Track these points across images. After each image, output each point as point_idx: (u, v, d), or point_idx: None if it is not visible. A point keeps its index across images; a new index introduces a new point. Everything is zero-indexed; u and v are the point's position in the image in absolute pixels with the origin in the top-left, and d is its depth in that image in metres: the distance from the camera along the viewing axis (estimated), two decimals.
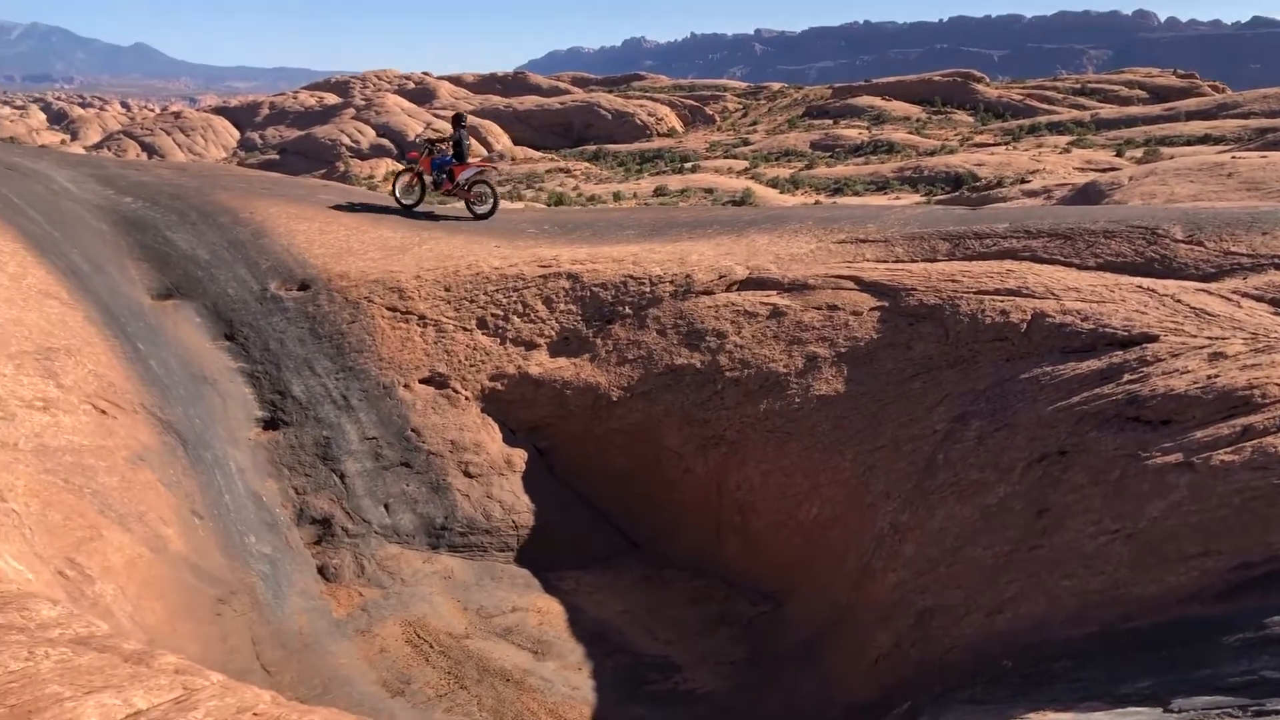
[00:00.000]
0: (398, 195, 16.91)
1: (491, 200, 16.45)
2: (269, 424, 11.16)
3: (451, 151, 16.54)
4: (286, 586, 9.51)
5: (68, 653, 3.46)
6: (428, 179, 16.67)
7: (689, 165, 74.05)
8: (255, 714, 3.13)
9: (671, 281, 11.78)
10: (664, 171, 72.84)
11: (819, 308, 10.81)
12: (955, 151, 68.27)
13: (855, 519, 9.08)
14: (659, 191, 61.63)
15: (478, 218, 16.29)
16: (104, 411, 9.30)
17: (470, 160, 16.61)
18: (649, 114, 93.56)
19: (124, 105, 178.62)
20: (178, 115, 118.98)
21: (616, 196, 61.73)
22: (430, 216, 16.53)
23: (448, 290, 12.33)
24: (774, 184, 62.32)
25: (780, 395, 10.32)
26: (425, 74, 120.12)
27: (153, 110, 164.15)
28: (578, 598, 10.13)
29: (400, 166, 23.93)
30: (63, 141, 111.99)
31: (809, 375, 10.29)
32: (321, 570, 10.11)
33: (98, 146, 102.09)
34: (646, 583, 10.33)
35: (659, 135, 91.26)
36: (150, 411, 9.92)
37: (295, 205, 15.47)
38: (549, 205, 55.97)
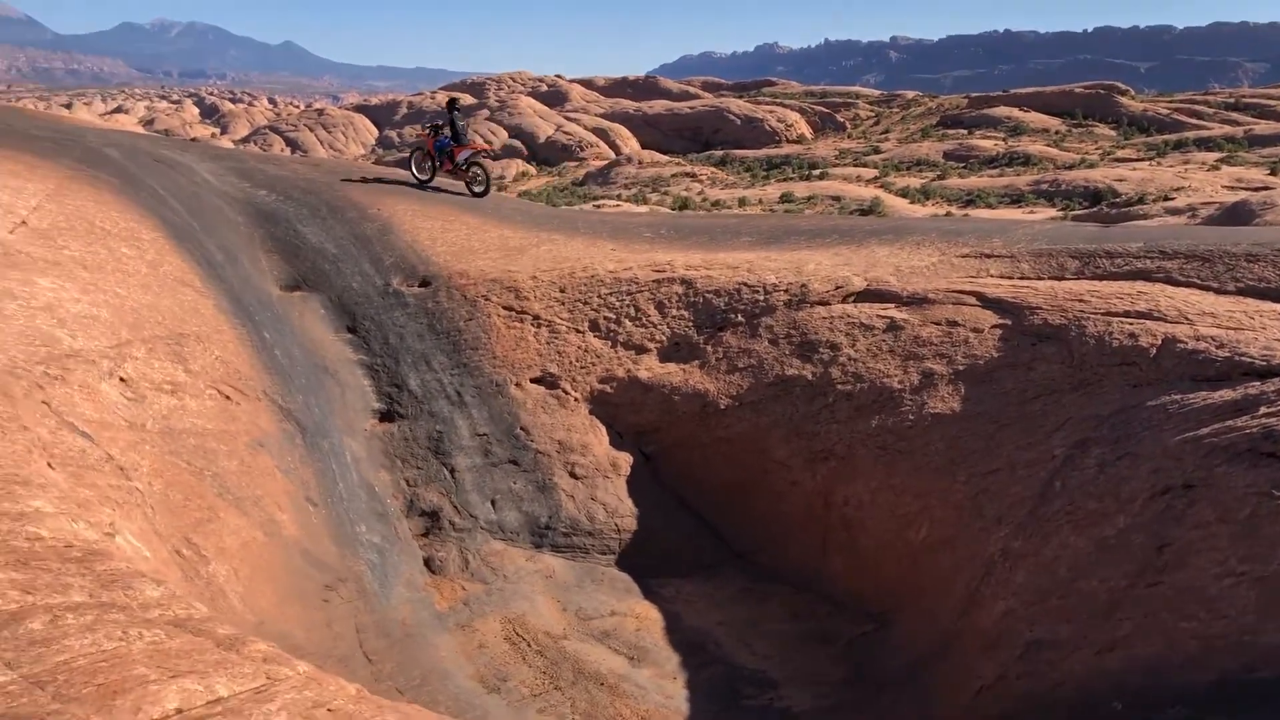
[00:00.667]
0: (414, 172, 18.67)
1: (485, 182, 18.08)
2: (385, 416, 11.42)
3: (449, 134, 18.05)
4: (393, 576, 9.68)
5: (161, 635, 3.54)
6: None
7: (817, 172, 73.16)
8: (330, 709, 3.15)
9: (786, 290, 11.63)
10: (791, 178, 72.11)
11: (938, 323, 10.50)
12: (1095, 166, 65.74)
13: (965, 543, 8.78)
14: (785, 198, 61.06)
15: (475, 195, 17.73)
16: (228, 397, 9.63)
17: (469, 144, 18.18)
18: (778, 120, 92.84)
19: (271, 101, 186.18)
20: (320, 112, 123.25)
21: (742, 202, 61.42)
22: (440, 190, 18.32)
23: (562, 291, 12.42)
24: (904, 194, 61.05)
25: (893, 411, 10.06)
26: (558, 76, 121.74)
27: (297, 107, 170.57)
28: (677, 606, 10.07)
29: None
30: (213, 135, 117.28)
31: (924, 392, 10.01)
32: (427, 562, 10.27)
33: (245, 140, 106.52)
34: (747, 595, 10.20)
35: (788, 141, 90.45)
36: (272, 399, 10.23)
37: (420, 203, 15.82)
38: (673, 210, 56.06)
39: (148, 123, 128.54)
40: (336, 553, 9.33)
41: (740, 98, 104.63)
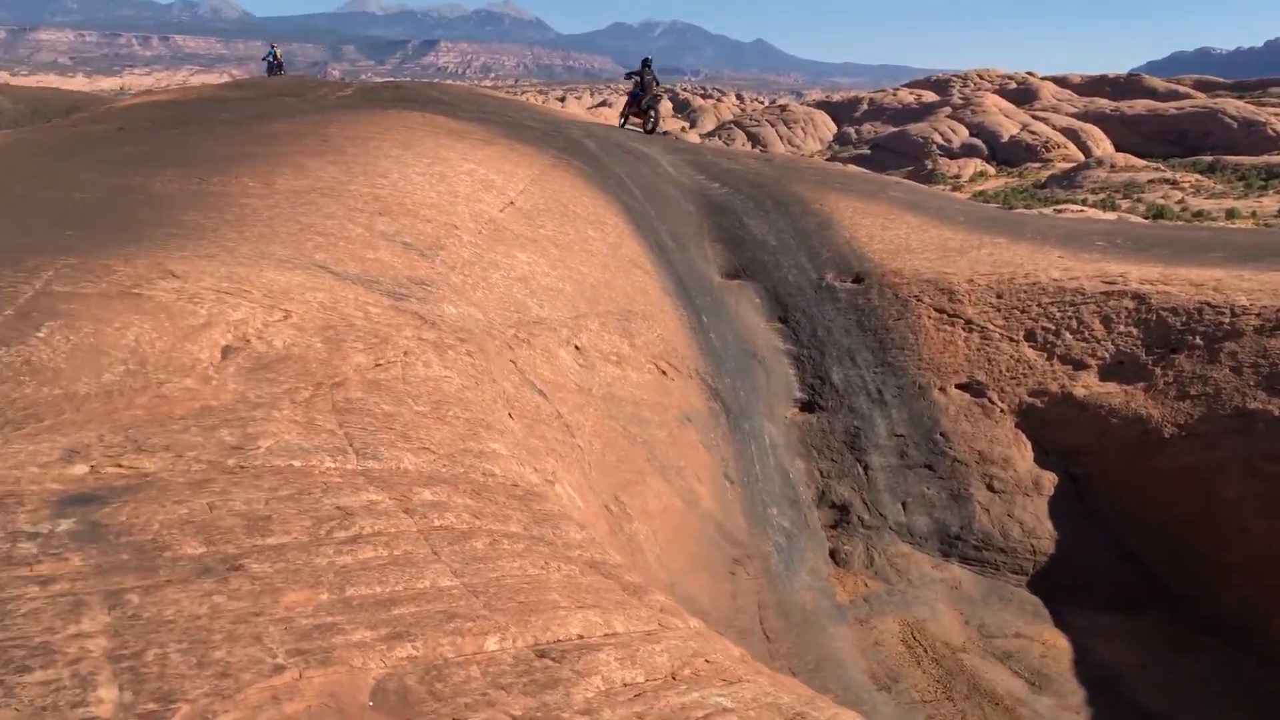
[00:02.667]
0: (621, 121, 24.00)
1: (655, 120, 22.95)
2: (805, 406, 11.74)
3: (640, 88, 23.11)
4: (798, 562, 9.98)
5: (576, 571, 4.03)
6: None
7: None
8: (709, 660, 3.43)
9: (1259, 315, 10.40)
10: None
11: None
12: None
13: None
14: None
15: (647, 131, 22.41)
16: (664, 372, 10.42)
17: (652, 92, 23.04)
18: None
19: (738, 97, 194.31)
20: (783, 108, 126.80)
21: (1231, 214, 55.13)
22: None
23: (999, 297, 12.01)
24: None
25: None
26: (1029, 74, 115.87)
27: (762, 102, 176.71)
28: (1090, 638, 9.45)
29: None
30: (682, 129, 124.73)
31: None
32: (833, 554, 10.47)
33: (711, 135, 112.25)
34: (1173, 642, 9.33)
35: None
36: (703, 378, 10.92)
37: (862, 200, 15.96)
38: (1147, 218, 51.53)
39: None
40: (747, 530, 9.78)
41: (1240, 98, 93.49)
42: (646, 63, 23.71)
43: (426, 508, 4.04)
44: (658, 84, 23.31)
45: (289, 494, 3.78)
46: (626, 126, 23.49)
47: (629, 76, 24.33)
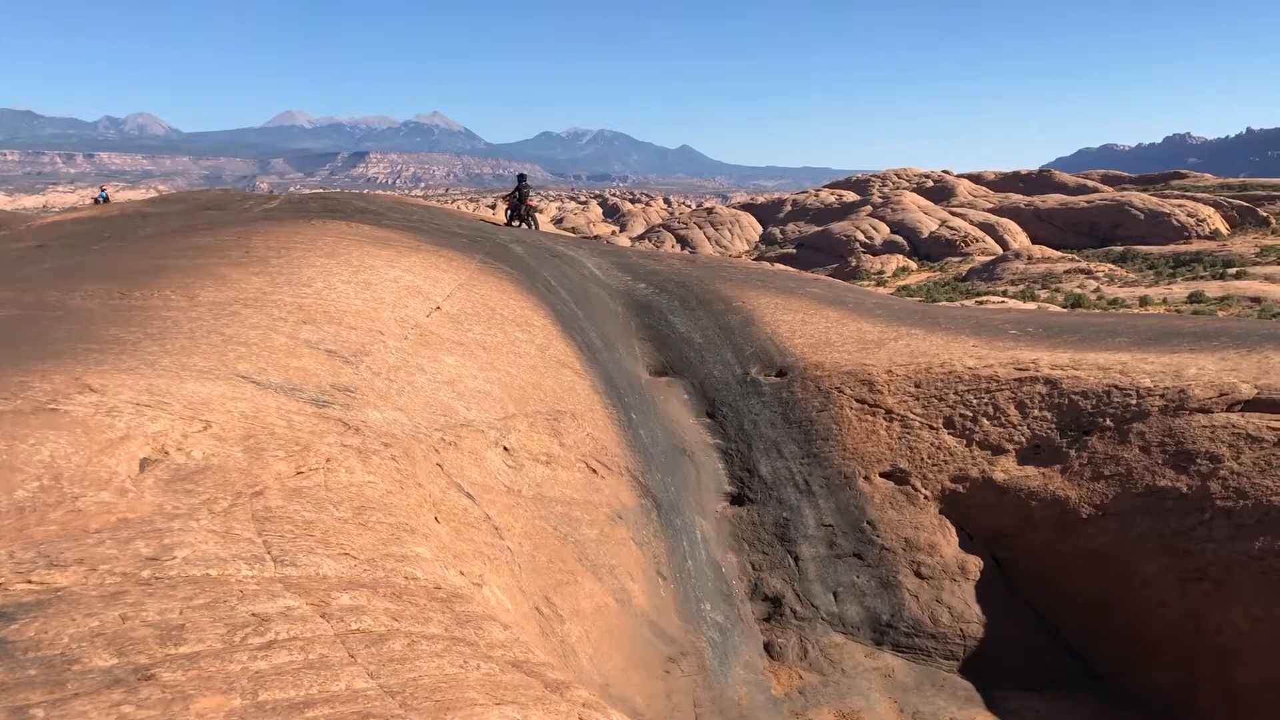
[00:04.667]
0: (505, 218, 26.26)
1: (533, 225, 25.64)
2: (735, 499, 11.85)
3: (519, 198, 25.64)
4: (732, 657, 9.97)
5: (496, 669, 4.05)
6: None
7: (1233, 271, 66.50)
8: None
9: (1162, 395, 10.82)
10: (1202, 276, 66.11)
11: None
12: None
13: None
14: (1194, 298, 56.09)
15: (526, 228, 24.84)
16: (594, 471, 10.47)
17: (526, 202, 25.65)
18: (1188, 214, 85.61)
19: (666, 201, 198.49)
20: (710, 211, 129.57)
21: (1144, 301, 57.18)
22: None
23: (918, 386, 12.34)
24: None
25: None
26: (945, 172, 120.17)
27: (689, 206, 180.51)
28: None
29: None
30: (613, 233, 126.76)
31: None
32: (767, 647, 10.48)
33: (640, 238, 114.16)
34: (1099, 718, 9.46)
35: (1199, 237, 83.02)
36: (633, 475, 10.98)
37: (783, 296, 16.36)
38: (1065, 307, 53.23)
39: (557, 221, 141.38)
40: (681, 627, 9.76)
41: (1144, 191, 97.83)
42: (522, 178, 26.32)
43: (344, 612, 4.04)
44: (535, 194, 26.70)
45: (204, 602, 3.77)
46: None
47: (505, 199, 27.58)
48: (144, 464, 5.32)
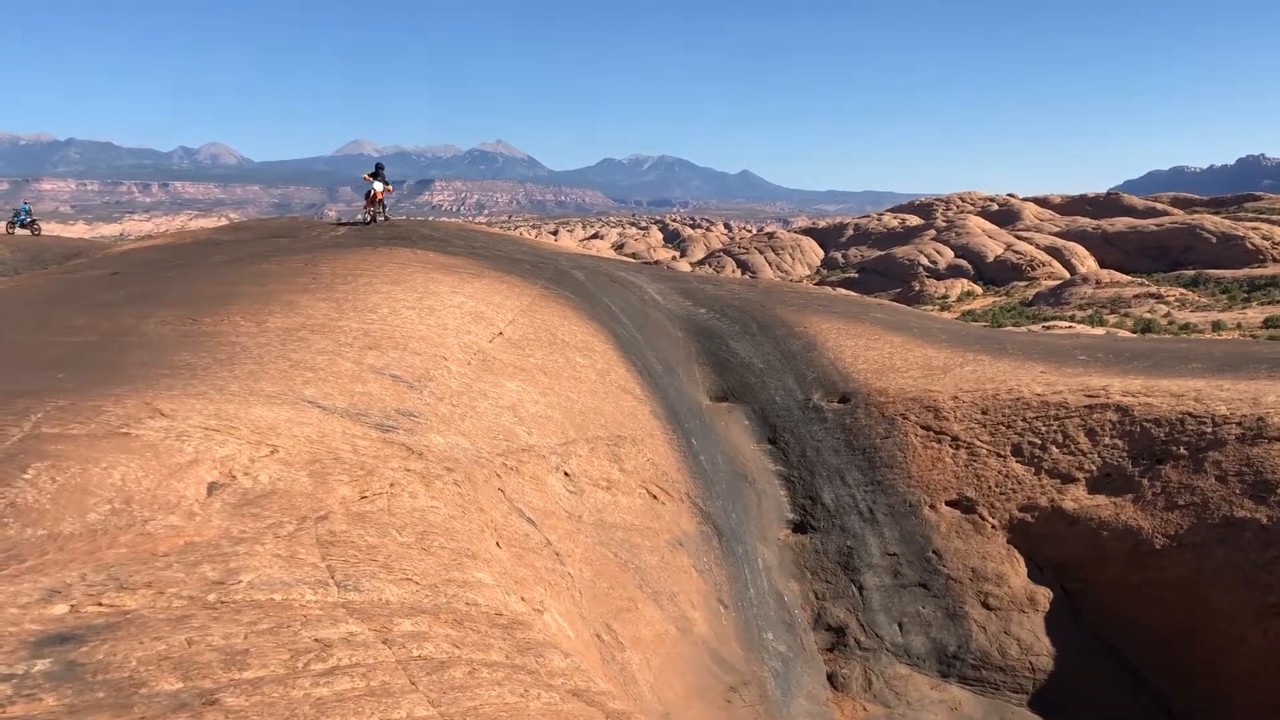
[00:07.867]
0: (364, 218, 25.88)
1: (378, 214, 25.59)
2: (798, 527, 11.71)
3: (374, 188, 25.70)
4: (795, 687, 9.81)
5: (557, 699, 4.01)
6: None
7: None
8: None
9: (1239, 423, 10.50)
10: (1278, 300, 64.44)
11: None
12: None
13: None
14: (1270, 323, 54.64)
15: (370, 221, 25.01)
16: (655, 496, 10.42)
17: (374, 194, 25.65)
18: (1263, 237, 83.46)
19: (726, 226, 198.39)
20: (771, 236, 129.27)
21: (1217, 326, 55.87)
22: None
23: (984, 413, 12.12)
24: None
25: None
26: (1010, 195, 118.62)
27: (750, 231, 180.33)
28: None
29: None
30: (673, 258, 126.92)
31: None
32: (830, 677, 10.31)
33: (700, 263, 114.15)
34: None
35: (1274, 261, 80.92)
36: (694, 501, 10.91)
37: (845, 322, 16.21)
38: (1135, 332, 52.19)
39: (618, 247, 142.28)
40: (742, 656, 9.64)
41: (1217, 214, 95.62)
42: (379, 166, 26.98)
43: (406, 638, 4.04)
44: (387, 186, 26.21)
45: (268, 627, 3.79)
46: (359, 217, 26.85)
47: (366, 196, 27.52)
48: (211, 488, 5.39)
